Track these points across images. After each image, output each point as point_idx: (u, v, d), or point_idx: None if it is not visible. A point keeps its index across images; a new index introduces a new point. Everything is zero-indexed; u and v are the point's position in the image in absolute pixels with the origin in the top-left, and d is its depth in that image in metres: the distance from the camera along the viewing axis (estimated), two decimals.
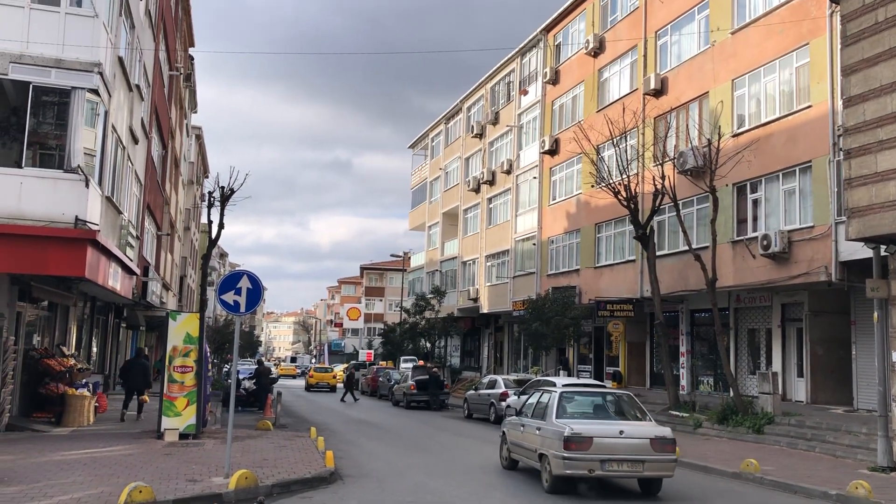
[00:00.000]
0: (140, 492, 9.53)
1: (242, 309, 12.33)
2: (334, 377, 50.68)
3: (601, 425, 11.94)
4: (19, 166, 15.77)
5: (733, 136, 23.25)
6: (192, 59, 39.98)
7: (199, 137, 54.08)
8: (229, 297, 12.24)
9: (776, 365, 22.93)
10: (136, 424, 19.51)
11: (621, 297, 29.16)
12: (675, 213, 23.54)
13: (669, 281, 25.55)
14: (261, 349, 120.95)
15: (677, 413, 22.25)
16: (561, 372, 31.29)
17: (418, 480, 12.81)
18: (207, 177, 60.60)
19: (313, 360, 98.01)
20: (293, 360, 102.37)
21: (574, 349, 34.28)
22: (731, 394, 21.15)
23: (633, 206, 23.92)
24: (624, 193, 23.89)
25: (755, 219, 22.77)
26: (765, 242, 21.24)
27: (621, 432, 11.57)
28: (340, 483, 12.30)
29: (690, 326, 27.22)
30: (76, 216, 15.54)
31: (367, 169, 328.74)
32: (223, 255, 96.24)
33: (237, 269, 12.44)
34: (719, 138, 21.81)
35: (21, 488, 10.28)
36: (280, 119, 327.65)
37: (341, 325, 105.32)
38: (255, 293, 12.33)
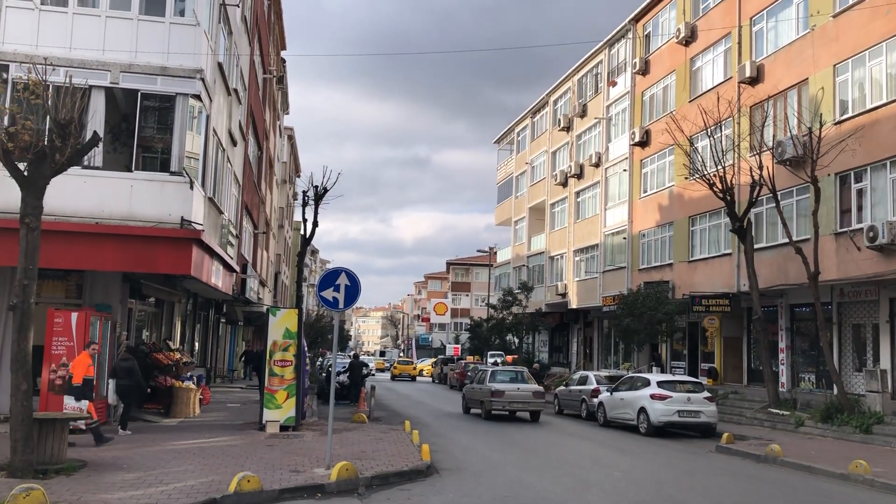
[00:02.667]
0: (248, 481, 9.95)
1: (341, 305, 12.67)
2: (414, 368, 61.38)
3: (509, 385, 23.26)
4: (129, 170, 16.65)
5: (835, 123, 22.29)
6: (284, 61, 41.12)
7: (290, 138, 55.59)
8: (328, 293, 12.59)
9: (884, 362, 21.88)
10: (238, 416, 20.30)
11: (717, 291, 28.40)
12: (773, 205, 22.76)
13: (768, 275, 24.73)
14: (350, 343, 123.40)
15: (777, 411, 21.55)
16: (654, 368, 30.72)
17: (513, 475, 12.86)
18: (299, 176, 62.19)
19: (401, 355, 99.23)
20: (382, 353, 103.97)
21: (667, 345, 33.59)
22: (836, 391, 20.33)
23: (729, 197, 23.25)
24: (719, 185, 23.24)
25: (860, 209, 21.77)
26: (871, 234, 20.29)
27: (518, 389, 23.08)
28: (437, 476, 12.48)
29: (790, 322, 26.26)
30: (182, 217, 16.29)
31: (446, 164, 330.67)
32: (314, 252, 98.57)
33: (336, 266, 12.76)
34: (821, 126, 20.94)
35: (139, 475, 10.88)
36: (358, 117, 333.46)
37: (428, 319, 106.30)
38: (354, 290, 12.64)
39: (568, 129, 44.43)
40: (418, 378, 60.56)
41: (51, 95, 11.28)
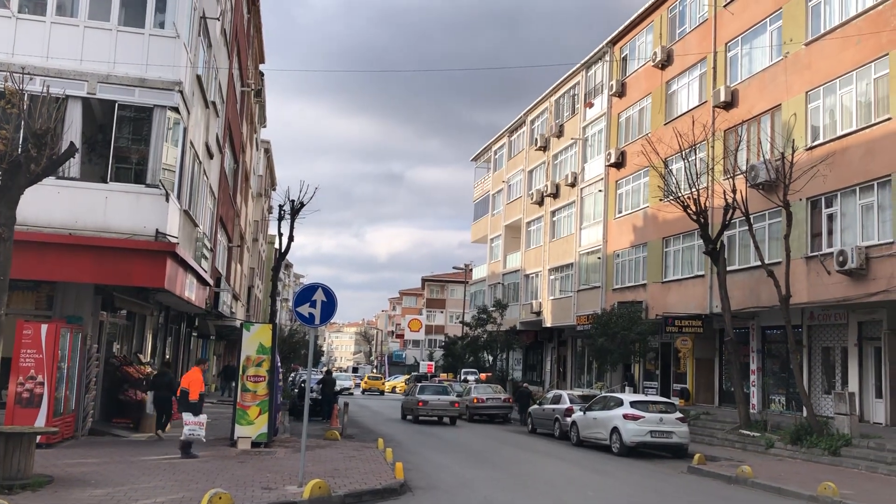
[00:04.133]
0: (220, 498, 9.81)
1: (317, 321, 12.62)
2: (383, 384, 65.11)
3: (433, 396, 29.66)
4: (105, 181, 16.48)
5: (807, 149, 22.71)
6: (263, 75, 41.05)
7: (267, 151, 55.40)
8: (304, 309, 12.54)
9: (852, 385, 22.21)
10: (209, 431, 20.02)
11: (690, 312, 28.68)
12: (746, 228, 23.07)
13: (740, 297, 25.03)
14: (323, 359, 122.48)
15: (748, 432, 21.74)
16: (627, 388, 30.88)
17: (487, 494, 12.84)
18: (275, 189, 61.92)
19: (374, 371, 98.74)
20: (355, 370, 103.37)
21: (640, 365, 33.80)
22: (805, 413, 20.56)
23: (702, 220, 23.54)
24: (693, 207, 23.54)
25: (830, 234, 22.16)
26: (840, 258, 20.65)
27: (439, 399, 29.32)
28: (410, 495, 12.42)
29: (762, 343, 26.58)
30: (157, 229, 16.16)
31: (421, 181, 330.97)
32: (288, 266, 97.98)
33: (312, 282, 12.72)
34: (793, 151, 21.32)
35: (108, 491, 10.70)
36: (332, 132, 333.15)
37: (402, 336, 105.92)
38: (330, 306, 12.60)
39: (545, 148, 44.78)
40: (390, 394, 60.54)
41: (27, 105, 11.18)
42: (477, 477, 14.88)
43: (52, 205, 15.44)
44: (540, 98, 46.38)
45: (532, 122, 48.14)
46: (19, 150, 10.97)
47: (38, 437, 12.41)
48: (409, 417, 30.95)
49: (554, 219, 43.27)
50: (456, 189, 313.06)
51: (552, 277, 42.77)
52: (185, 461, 14.11)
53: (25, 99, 11.26)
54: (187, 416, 14.78)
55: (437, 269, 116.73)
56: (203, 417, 15.00)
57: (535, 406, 27.94)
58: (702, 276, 28.37)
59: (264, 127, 51.74)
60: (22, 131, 11.30)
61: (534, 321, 44.03)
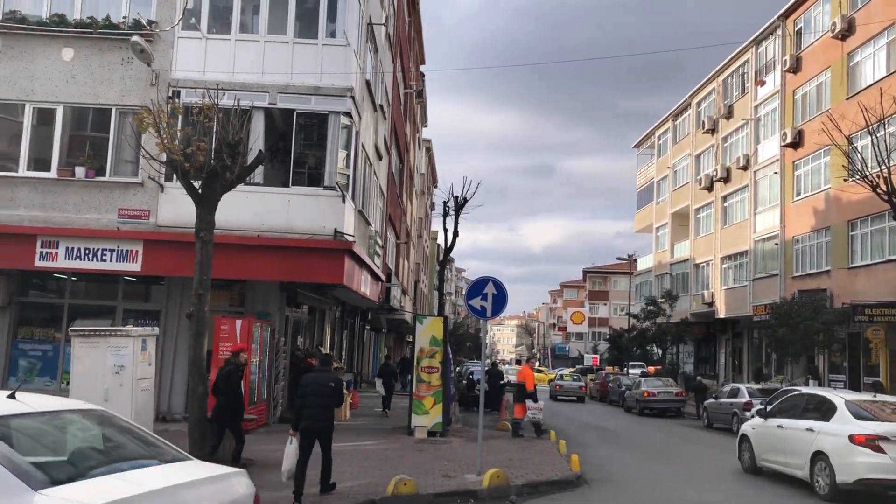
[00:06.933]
0: (405, 484, 10.27)
1: (489, 314, 12.84)
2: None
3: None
4: (286, 186, 17.59)
5: None
6: (423, 76, 42.11)
7: (428, 150, 56.82)
8: (476, 302, 12.79)
9: None
10: (385, 421, 20.93)
11: (882, 300, 26.47)
12: None
13: None
14: (486, 351, 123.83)
15: None
16: (811, 381, 29.00)
17: (666, 487, 12.55)
18: (436, 186, 63.38)
19: (537, 364, 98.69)
20: (518, 362, 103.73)
21: (824, 357, 31.61)
22: None
23: (894, 199, 21.64)
24: (884, 186, 21.62)
25: None
26: None
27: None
28: (587, 487, 12.37)
29: None
30: (335, 229, 17.03)
31: (572, 171, 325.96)
32: (449, 261, 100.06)
33: (482, 276, 12.94)
34: None
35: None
36: (478, 128, 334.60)
37: (565, 329, 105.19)
38: (501, 298, 12.78)
39: (713, 131, 42.83)
40: None
41: (220, 118, 12.14)
42: (653, 470, 14.58)
43: (241, 209, 16.64)
44: (706, 79, 44.40)
45: (698, 104, 46.19)
46: (214, 160, 11.93)
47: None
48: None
49: (725, 204, 41.32)
50: (608, 178, 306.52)
51: (724, 266, 40.87)
52: (367, 448, 14.81)
53: (218, 112, 12.23)
54: (529, 403, 18.48)
55: (595, 260, 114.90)
56: (541, 403, 19.09)
57: (711, 400, 26.90)
58: (895, 260, 26.11)
59: (426, 126, 53.08)
60: (215, 143, 12.29)
61: (705, 312, 42.30)
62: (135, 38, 16.65)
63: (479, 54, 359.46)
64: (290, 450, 9.97)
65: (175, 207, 16.64)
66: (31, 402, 5.08)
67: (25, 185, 17.45)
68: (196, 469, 5.23)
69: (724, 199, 41.28)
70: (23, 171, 17.53)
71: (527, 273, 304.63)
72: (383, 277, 25.79)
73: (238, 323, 16.10)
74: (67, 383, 13.63)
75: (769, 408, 14.81)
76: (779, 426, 13.41)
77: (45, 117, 17.77)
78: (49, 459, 4.62)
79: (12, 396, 5.07)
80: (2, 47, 17.72)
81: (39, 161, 17.65)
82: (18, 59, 17.69)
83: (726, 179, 40.70)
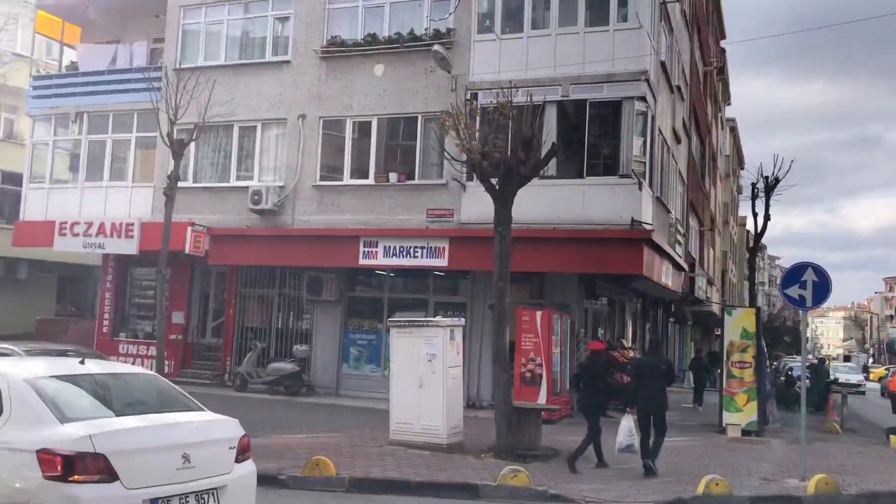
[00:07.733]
0: (717, 484, 9.65)
1: (809, 303, 11.59)
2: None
3: None
4: (581, 177, 17.50)
5: None
6: (724, 51, 39.59)
7: (733, 129, 53.34)
8: (794, 291, 11.62)
9: None
10: (692, 416, 19.99)
11: None
12: None
13: None
14: (808, 345, 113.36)
15: None
16: None
17: None
18: (743, 168, 59.27)
19: (870, 360, 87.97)
20: (846, 358, 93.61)
21: None
22: None
23: None
24: None
25: None
26: None
27: None
28: None
29: None
30: (632, 217, 16.60)
31: None
32: (761, 249, 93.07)
33: (801, 261, 11.77)
34: None
35: (608, 468, 11.27)
36: (784, 102, 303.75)
37: None
38: (823, 286, 11.46)
39: None
40: None
41: (514, 114, 12.42)
42: None
43: (537, 203, 16.85)
44: None
45: None
46: (509, 156, 12.23)
47: (542, 413, 13.71)
48: None
49: None
50: None
51: None
52: (674, 445, 14.18)
53: (513, 109, 12.51)
54: None
55: None
56: None
57: None
58: None
59: (728, 105, 49.88)
60: (510, 140, 12.59)
61: None
62: (435, 47, 17.74)
63: (785, 25, 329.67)
64: (624, 426, 11.03)
65: (476, 205, 17.37)
66: (93, 367, 6.72)
67: (349, 191, 19.46)
68: (200, 415, 6.50)
69: None
70: (346, 179, 19.60)
71: (852, 259, 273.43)
72: (686, 267, 24.65)
73: (538, 314, 16.38)
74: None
75: None
76: None
77: (362, 130, 19.68)
78: (89, 404, 6.11)
79: (82, 363, 6.73)
80: (328, 70, 19.92)
81: (358, 170, 19.59)
82: (340, 79, 19.77)
83: None
